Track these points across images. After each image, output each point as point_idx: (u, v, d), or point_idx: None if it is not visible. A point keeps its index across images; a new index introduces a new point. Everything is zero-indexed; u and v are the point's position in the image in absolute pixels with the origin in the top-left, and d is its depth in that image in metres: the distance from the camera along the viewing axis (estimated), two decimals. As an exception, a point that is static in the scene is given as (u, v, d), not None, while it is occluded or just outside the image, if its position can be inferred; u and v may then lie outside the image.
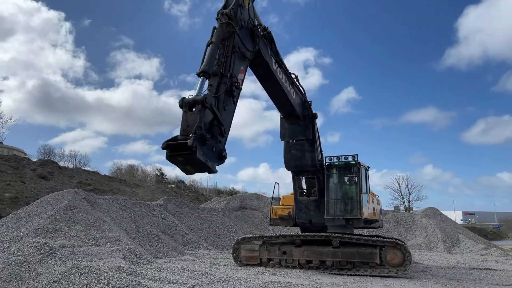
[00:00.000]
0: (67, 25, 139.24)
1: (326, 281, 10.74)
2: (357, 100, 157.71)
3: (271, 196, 15.74)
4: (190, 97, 7.44)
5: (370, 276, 11.90)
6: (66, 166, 42.12)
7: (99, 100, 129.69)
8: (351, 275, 12.06)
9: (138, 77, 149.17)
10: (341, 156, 13.77)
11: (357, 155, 13.55)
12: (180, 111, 7.48)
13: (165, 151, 7.12)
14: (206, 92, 7.95)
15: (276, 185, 15.11)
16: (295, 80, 12.94)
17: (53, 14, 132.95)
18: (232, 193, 61.64)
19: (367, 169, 14.52)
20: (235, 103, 8.87)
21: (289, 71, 12.55)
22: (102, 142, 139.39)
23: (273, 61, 11.36)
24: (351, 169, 13.59)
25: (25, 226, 13.40)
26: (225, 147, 8.04)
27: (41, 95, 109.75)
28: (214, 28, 8.93)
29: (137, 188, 39.47)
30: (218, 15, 9.00)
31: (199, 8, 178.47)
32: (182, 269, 11.45)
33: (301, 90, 13.46)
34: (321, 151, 14.08)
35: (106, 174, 46.74)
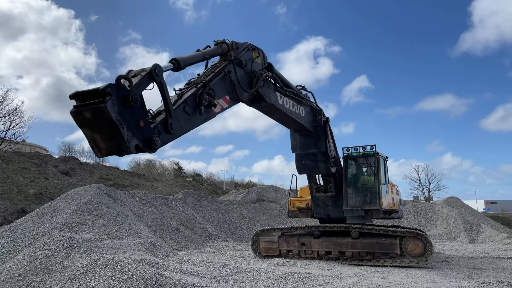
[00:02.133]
0: (77, 22, 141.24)
1: (346, 272, 10.75)
2: (369, 89, 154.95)
3: (288, 188, 15.76)
4: None
5: (390, 266, 11.84)
6: (87, 162, 43.03)
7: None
8: (371, 265, 12.03)
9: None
10: (359, 146, 13.66)
11: (375, 145, 13.45)
12: None
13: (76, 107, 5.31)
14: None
15: (294, 177, 15.12)
16: (302, 91, 12.10)
17: (63, 12, 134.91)
18: (249, 185, 61.88)
19: (385, 159, 14.39)
20: (201, 115, 7.27)
21: (296, 86, 11.78)
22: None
23: (278, 96, 10.51)
24: (370, 159, 13.48)
25: (50, 221, 13.81)
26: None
27: (56, 93, 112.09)
28: (208, 47, 8.15)
29: (156, 182, 40.03)
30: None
31: (204, 1, 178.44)
32: (203, 261, 11.63)
33: (310, 101, 12.59)
34: (335, 148, 13.63)
35: (126, 169, 47.56)
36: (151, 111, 6.23)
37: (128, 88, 5.50)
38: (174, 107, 6.52)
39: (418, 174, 69.51)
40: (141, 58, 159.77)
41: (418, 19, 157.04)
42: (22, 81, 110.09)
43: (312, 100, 12.73)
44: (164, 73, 6.26)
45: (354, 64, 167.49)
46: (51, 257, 9.36)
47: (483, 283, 8.31)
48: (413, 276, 10.25)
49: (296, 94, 11.47)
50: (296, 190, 15.40)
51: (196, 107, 7.15)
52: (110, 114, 5.09)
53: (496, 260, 14.01)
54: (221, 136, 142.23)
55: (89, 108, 5.17)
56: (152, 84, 6.01)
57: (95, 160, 58.62)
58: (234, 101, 8.59)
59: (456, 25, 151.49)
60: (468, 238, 21.78)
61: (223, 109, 8.14)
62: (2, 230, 13.18)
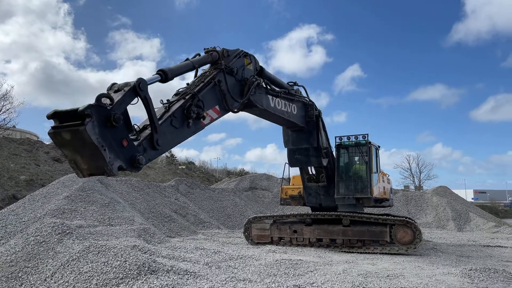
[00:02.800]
0: (66, 6, 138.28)
1: (336, 259, 10.91)
2: (362, 78, 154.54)
3: (280, 176, 15.84)
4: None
5: (380, 253, 12.04)
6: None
7: (102, 82, 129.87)
8: (361, 252, 12.22)
9: (140, 58, 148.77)
10: (352, 135, 13.74)
11: (367, 134, 13.52)
12: None
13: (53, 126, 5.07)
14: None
15: (286, 165, 15.18)
16: (294, 87, 11.96)
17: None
18: (242, 174, 61.93)
19: (377, 148, 14.51)
20: (189, 128, 7.05)
21: (287, 83, 11.68)
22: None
23: (270, 98, 10.32)
24: (362, 148, 13.58)
25: (42, 207, 13.76)
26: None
27: (44, 77, 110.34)
28: (197, 55, 7.96)
29: (148, 170, 39.93)
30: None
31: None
32: (195, 248, 11.72)
33: (302, 96, 12.45)
34: (327, 139, 13.63)
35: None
36: (136, 126, 6.03)
37: (110, 107, 5.26)
38: (160, 122, 6.30)
39: (409, 164, 70.14)
40: (131, 44, 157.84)
41: (411, 8, 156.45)
42: (10, 65, 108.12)
43: (304, 94, 12.70)
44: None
45: (347, 53, 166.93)
46: (43, 243, 9.36)
47: (470, 270, 8.51)
48: (402, 263, 10.44)
49: (287, 92, 11.36)
50: (289, 178, 15.50)
51: (184, 120, 6.90)
52: (91, 137, 4.87)
53: (484, 248, 14.31)
54: (214, 124, 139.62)
55: (68, 129, 4.93)
56: (136, 99, 5.77)
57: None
58: (225, 110, 8.38)
59: (449, 15, 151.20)
60: (456, 227, 22.17)
61: (212, 120, 7.92)
62: (-7, 216, 13.11)
